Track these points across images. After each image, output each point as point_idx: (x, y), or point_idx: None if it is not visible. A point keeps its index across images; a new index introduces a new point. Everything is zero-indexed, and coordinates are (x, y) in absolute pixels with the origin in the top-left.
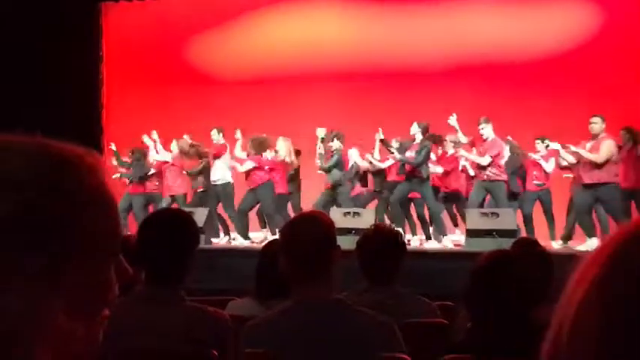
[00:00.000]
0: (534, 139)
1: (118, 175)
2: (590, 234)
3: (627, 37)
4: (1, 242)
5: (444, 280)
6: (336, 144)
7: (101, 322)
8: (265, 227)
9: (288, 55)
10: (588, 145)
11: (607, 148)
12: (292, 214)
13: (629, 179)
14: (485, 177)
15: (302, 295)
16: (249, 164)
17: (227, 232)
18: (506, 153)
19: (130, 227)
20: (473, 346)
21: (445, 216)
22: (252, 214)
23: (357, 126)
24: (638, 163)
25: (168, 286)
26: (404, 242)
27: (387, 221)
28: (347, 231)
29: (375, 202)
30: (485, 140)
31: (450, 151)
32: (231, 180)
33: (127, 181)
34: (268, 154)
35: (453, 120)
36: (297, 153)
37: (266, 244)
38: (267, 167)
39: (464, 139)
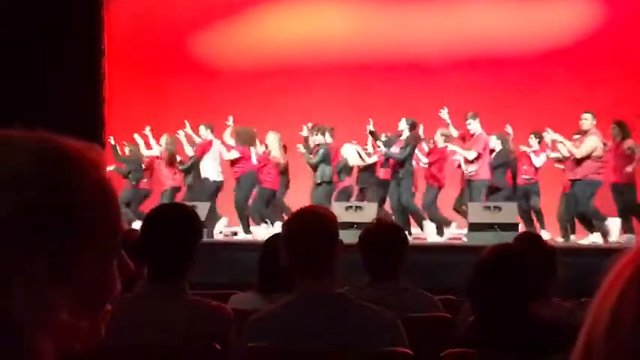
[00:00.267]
0: (529, 134)
1: (111, 167)
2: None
3: (625, 33)
4: (2, 242)
5: (445, 274)
6: (318, 138)
7: (104, 317)
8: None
9: (292, 49)
10: (576, 138)
11: (589, 143)
12: (280, 211)
13: (616, 174)
14: (466, 173)
15: (305, 289)
16: (235, 153)
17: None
18: (497, 146)
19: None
20: (475, 341)
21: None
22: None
23: (354, 120)
24: (623, 158)
25: (171, 281)
26: (406, 236)
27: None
28: (349, 225)
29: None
30: (472, 135)
31: (441, 144)
32: (220, 179)
33: (122, 175)
34: (259, 149)
35: (444, 113)
36: (285, 148)
37: (269, 238)
38: (257, 163)
39: (455, 133)
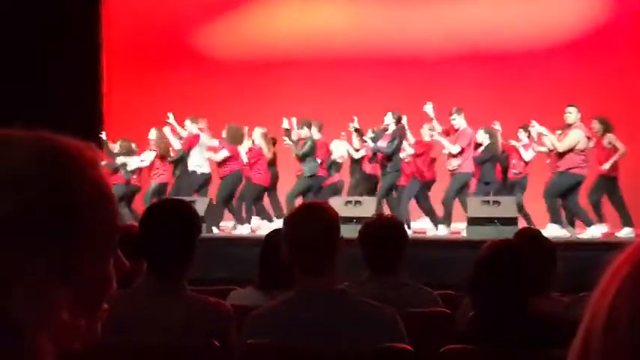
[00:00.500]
0: (518, 128)
1: (103, 162)
2: (588, 223)
3: (623, 30)
4: (2, 242)
5: (445, 269)
6: (304, 131)
7: (100, 315)
8: (259, 215)
9: (291, 44)
10: (558, 132)
11: (572, 137)
12: (270, 207)
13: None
14: (449, 167)
15: (305, 285)
16: (225, 152)
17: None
18: (485, 140)
19: None
20: (475, 336)
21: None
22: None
23: (347, 115)
24: (604, 152)
25: (170, 278)
26: (406, 231)
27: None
28: (348, 220)
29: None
30: (456, 130)
31: (426, 138)
32: (207, 171)
33: (112, 171)
34: (246, 145)
35: (428, 108)
36: (273, 141)
37: (269, 233)
38: (248, 160)
39: (438, 128)
